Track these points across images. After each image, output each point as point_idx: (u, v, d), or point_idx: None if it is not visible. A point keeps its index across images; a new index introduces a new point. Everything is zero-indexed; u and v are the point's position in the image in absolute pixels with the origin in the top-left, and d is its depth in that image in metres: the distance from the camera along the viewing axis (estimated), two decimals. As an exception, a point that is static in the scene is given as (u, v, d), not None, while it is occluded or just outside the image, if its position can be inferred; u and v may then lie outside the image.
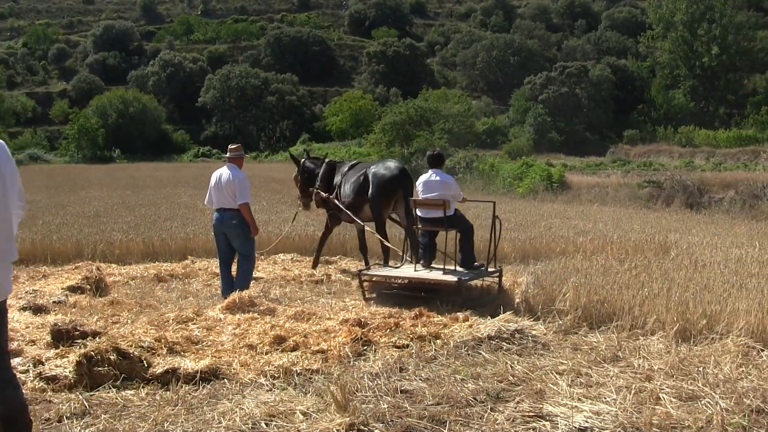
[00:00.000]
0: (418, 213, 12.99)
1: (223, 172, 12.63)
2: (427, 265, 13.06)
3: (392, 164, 14.51)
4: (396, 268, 13.46)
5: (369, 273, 13.32)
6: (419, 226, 13.15)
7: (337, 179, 15.16)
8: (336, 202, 14.81)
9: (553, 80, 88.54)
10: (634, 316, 9.84)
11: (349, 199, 14.54)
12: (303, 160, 16.44)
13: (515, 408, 6.97)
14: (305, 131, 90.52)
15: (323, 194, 15.21)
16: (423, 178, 13.11)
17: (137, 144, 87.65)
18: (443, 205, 12.49)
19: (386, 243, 14.21)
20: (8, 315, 5.63)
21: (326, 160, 16.00)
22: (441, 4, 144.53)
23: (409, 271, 12.95)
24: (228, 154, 12.91)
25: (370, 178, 14.15)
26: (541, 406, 7.00)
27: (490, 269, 12.97)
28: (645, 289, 10.44)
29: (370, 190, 14.11)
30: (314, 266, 15.44)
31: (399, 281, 13.06)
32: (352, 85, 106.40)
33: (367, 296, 12.68)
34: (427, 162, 13.44)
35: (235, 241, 12.63)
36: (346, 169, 15.10)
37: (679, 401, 7.11)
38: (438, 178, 12.98)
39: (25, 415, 5.74)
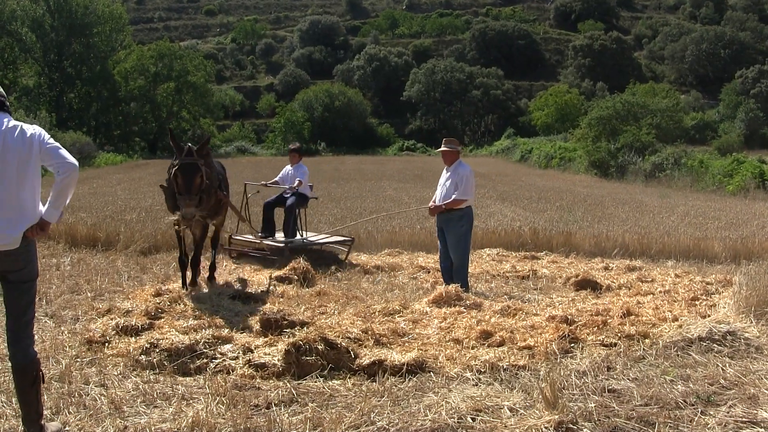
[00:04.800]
0: None
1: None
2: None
3: None
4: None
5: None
6: None
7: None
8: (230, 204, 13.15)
9: (766, 74, 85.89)
10: None
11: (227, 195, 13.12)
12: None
13: (727, 413, 6.65)
14: (510, 126, 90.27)
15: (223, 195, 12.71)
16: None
17: (342, 137, 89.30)
18: None
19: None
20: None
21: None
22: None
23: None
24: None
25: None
26: (755, 411, 6.66)
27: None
28: None
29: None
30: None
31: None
32: (558, 79, 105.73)
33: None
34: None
35: None
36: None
37: None
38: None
39: (31, 370, 6.15)
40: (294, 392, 7.26)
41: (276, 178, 16.23)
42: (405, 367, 7.97)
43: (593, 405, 6.75)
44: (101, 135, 74.46)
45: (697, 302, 11.37)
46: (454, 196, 12.34)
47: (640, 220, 20.83)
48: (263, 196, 16.84)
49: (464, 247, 12.47)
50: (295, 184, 15.16)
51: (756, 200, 30.18)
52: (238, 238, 15.76)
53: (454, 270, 12.38)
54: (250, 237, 15.55)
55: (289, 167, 15.94)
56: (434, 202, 12.73)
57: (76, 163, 6.06)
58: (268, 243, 15.17)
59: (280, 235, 15.51)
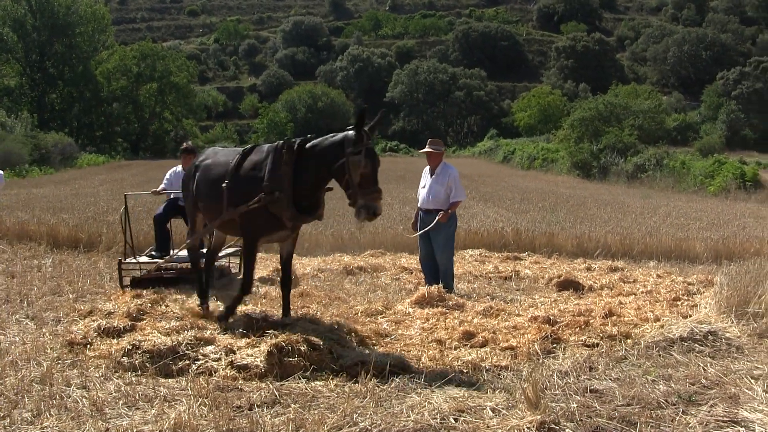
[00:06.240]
0: None
1: None
2: None
3: None
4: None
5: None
6: None
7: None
8: None
9: (747, 75, 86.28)
10: (835, 322, 9.28)
11: None
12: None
13: (708, 412, 6.67)
14: (493, 126, 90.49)
15: None
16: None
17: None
18: None
19: None
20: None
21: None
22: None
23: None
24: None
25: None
26: (735, 411, 6.68)
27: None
28: None
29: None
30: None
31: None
32: (541, 80, 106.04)
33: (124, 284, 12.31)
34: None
35: None
36: None
37: None
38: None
39: None
40: (276, 393, 7.24)
41: (162, 185, 14.00)
42: (388, 367, 7.93)
43: (575, 405, 6.75)
44: (83, 136, 74.37)
45: (678, 302, 11.40)
46: (452, 200, 12.39)
47: (622, 220, 20.88)
48: (149, 210, 15.47)
49: (451, 248, 12.50)
50: None
51: (737, 201, 30.40)
52: (130, 261, 12.80)
53: (442, 273, 12.32)
54: (145, 258, 13.04)
55: (179, 169, 13.56)
56: (419, 206, 12.69)
57: None
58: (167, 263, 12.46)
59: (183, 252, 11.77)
